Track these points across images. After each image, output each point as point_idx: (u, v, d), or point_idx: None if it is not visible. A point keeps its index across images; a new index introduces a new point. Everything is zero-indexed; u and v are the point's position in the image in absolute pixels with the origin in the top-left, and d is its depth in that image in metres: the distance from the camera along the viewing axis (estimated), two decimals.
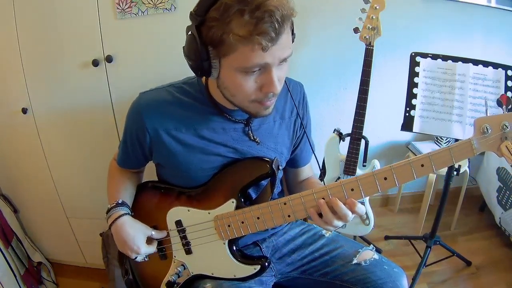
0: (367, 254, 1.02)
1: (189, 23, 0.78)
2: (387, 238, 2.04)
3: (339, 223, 0.83)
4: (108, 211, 0.98)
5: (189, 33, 0.78)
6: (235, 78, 0.78)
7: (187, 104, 0.92)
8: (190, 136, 0.92)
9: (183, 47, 0.81)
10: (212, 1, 0.72)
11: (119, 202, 0.98)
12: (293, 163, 1.12)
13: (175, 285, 0.99)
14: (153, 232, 0.98)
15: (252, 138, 0.95)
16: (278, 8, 0.70)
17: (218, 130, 0.93)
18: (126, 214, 0.97)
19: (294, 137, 1.04)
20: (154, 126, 0.91)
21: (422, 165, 0.76)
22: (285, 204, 0.86)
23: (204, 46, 0.75)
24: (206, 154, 0.93)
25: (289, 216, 0.86)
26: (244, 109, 0.86)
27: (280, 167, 0.95)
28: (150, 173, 1.12)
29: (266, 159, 0.92)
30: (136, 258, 0.98)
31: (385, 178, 0.78)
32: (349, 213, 0.81)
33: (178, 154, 0.92)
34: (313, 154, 1.10)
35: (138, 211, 1.02)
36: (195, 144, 0.92)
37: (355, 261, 1.01)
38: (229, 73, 0.78)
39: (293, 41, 0.81)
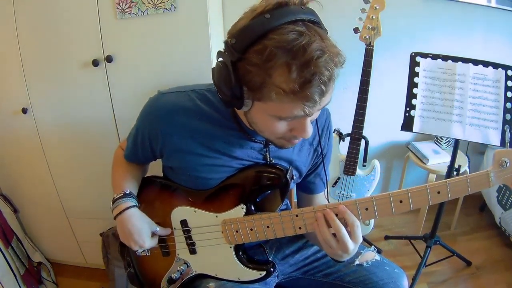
0: (369, 255, 1.02)
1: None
2: (387, 238, 2.04)
3: (332, 242, 0.78)
4: (114, 201, 0.95)
5: (221, 59, 0.72)
6: (266, 120, 0.74)
7: (207, 114, 0.87)
8: (205, 147, 0.89)
9: (212, 70, 0.76)
10: (254, 40, 0.65)
11: (127, 192, 0.96)
12: (308, 189, 1.09)
13: (177, 282, 0.99)
14: (158, 229, 0.97)
15: (268, 160, 0.93)
16: (328, 68, 0.64)
17: (235, 145, 0.89)
18: (134, 206, 0.95)
19: (310, 164, 1.02)
20: (168, 131, 0.88)
21: (439, 192, 0.76)
22: (297, 216, 0.84)
23: (238, 84, 0.69)
24: (218, 166, 0.91)
25: (300, 228, 0.85)
26: (269, 141, 0.84)
27: (294, 178, 0.93)
28: (155, 169, 1.11)
29: (281, 167, 0.90)
30: (137, 251, 0.98)
31: (401, 201, 0.77)
32: (341, 227, 0.77)
33: (190, 162, 0.90)
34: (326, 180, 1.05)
35: (141, 205, 1.00)
36: (209, 155, 0.89)
37: (357, 262, 1.01)
38: (260, 115, 0.74)
39: None
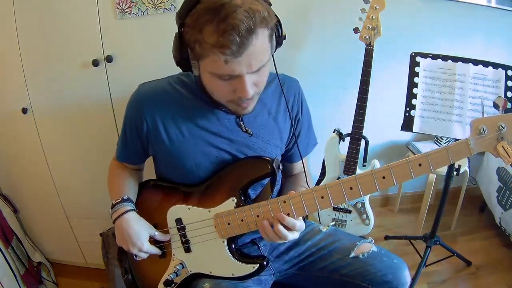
0: (365, 247, 1.02)
1: None
2: (387, 238, 2.04)
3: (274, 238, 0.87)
4: (113, 206, 0.98)
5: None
6: (210, 80, 0.83)
7: (184, 94, 0.95)
8: (186, 125, 0.94)
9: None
10: (190, 7, 0.75)
11: (125, 197, 0.99)
12: (288, 158, 1.13)
13: (173, 284, 0.99)
14: (157, 233, 0.98)
15: (244, 129, 0.97)
16: (244, 21, 0.71)
17: (213, 120, 0.95)
18: (132, 210, 0.98)
19: (290, 132, 1.05)
20: (151, 114, 0.94)
21: (420, 165, 0.77)
22: (284, 202, 0.86)
23: (184, 47, 0.79)
24: (201, 145, 0.94)
25: (288, 214, 0.87)
26: (224, 106, 0.90)
27: (280, 167, 0.95)
28: (150, 172, 1.12)
29: (267, 158, 0.92)
30: (136, 257, 0.98)
31: (384, 177, 0.79)
32: (283, 231, 0.85)
33: (174, 143, 0.94)
34: (311, 148, 1.13)
35: (139, 210, 1.02)
36: (190, 133, 0.94)
37: (352, 254, 1.01)
38: (205, 75, 0.83)
39: (280, 45, 0.84)
